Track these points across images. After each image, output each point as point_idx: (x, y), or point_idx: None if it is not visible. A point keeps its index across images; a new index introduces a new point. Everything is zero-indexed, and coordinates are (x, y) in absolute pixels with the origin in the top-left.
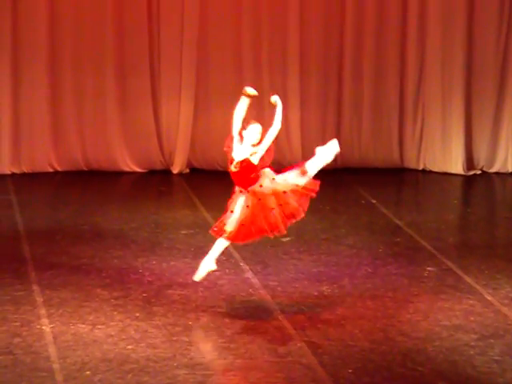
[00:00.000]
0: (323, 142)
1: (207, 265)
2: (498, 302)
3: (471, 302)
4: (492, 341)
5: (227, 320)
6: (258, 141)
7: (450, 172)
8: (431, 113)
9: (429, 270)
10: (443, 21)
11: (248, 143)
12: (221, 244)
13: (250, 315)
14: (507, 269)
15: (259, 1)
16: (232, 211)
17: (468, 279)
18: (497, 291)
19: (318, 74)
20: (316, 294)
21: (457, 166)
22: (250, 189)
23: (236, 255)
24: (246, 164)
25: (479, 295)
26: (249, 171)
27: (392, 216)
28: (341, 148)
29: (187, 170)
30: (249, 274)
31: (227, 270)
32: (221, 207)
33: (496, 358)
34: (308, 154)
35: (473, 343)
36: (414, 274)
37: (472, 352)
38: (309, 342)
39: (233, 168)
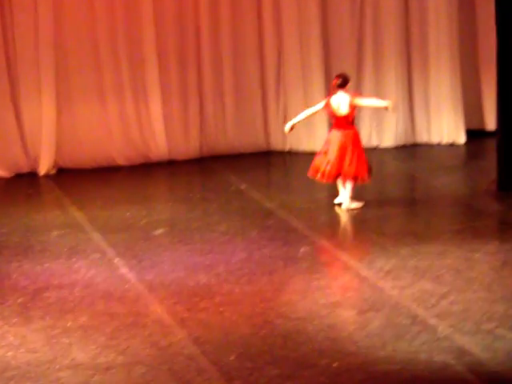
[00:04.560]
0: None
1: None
2: (374, 276)
3: (347, 278)
4: (371, 314)
5: (106, 318)
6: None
7: (316, 151)
8: (293, 95)
9: (303, 251)
10: (298, 5)
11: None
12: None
13: (128, 311)
14: (380, 242)
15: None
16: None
17: (342, 256)
18: (371, 265)
19: (177, 66)
20: (193, 284)
21: (321, 145)
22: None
23: (110, 251)
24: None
25: (354, 271)
26: None
27: (263, 199)
28: (205, 137)
29: (54, 171)
30: (124, 270)
31: (102, 268)
32: (91, 205)
33: (376, 331)
34: (173, 147)
35: (352, 319)
36: (289, 255)
37: (352, 328)
38: (189, 333)
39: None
